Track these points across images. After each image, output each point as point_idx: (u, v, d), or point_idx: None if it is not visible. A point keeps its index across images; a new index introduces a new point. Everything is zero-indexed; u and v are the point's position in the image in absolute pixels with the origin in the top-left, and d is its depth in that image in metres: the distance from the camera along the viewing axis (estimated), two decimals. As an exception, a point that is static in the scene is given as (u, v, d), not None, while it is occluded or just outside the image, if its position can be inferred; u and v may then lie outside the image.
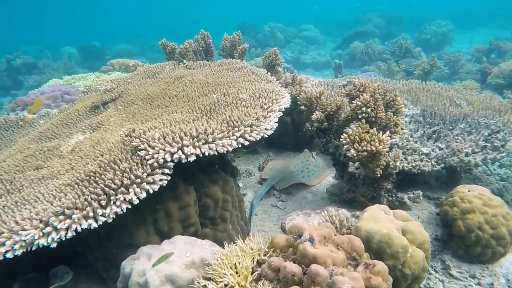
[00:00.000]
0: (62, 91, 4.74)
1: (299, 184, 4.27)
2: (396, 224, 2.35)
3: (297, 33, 19.40)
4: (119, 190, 2.25)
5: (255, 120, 2.77)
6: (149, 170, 2.37)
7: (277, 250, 2.06)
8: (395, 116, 3.05)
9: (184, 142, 2.42)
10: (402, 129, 3.15)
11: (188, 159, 2.42)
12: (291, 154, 5.21)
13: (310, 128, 3.70)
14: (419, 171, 3.38)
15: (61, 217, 2.09)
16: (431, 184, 4.03)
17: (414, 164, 3.36)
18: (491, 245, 2.97)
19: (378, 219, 2.35)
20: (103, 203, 2.20)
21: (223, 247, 2.29)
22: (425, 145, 3.80)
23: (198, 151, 2.43)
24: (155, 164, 2.40)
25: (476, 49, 9.64)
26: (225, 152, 2.53)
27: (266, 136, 2.79)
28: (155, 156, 2.39)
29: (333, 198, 3.73)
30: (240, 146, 2.61)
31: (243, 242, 2.20)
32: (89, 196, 2.22)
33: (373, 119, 3.01)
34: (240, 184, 4.46)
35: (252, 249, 2.10)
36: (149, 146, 2.47)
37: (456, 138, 3.83)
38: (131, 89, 4.26)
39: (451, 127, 4.04)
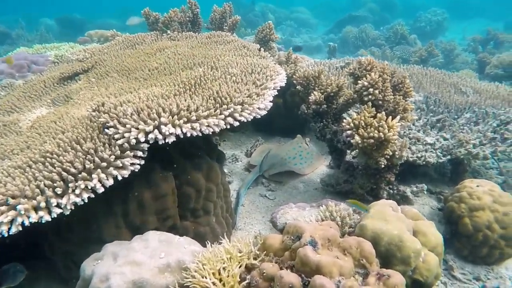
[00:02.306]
0: (29, 60, 4.20)
1: (290, 173, 3.93)
2: (407, 224, 2.03)
3: (288, 14, 18.79)
4: (80, 175, 1.85)
5: (247, 97, 2.38)
6: (118, 152, 1.96)
7: (270, 253, 1.71)
8: (404, 100, 2.71)
9: (162, 119, 2.02)
10: (411, 115, 2.81)
11: (167, 140, 2.02)
12: (282, 140, 4.85)
13: (306, 111, 3.33)
14: (424, 163, 3.08)
15: (3, 207, 1.68)
16: (431, 176, 3.76)
17: (419, 155, 3.05)
18: (500, 246, 2.71)
19: (387, 217, 2.03)
20: (59, 191, 1.79)
21: (205, 243, 1.94)
22: (429, 134, 3.50)
23: (178, 131, 2.03)
24: (126, 145, 1.99)
25: (472, 39, 9.40)
26: (210, 133, 2.14)
27: (259, 116, 2.40)
28: (126, 135, 1.98)
29: (327, 189, 3.41)
30: (228, 127, 2.22)
31: (229, 242, 1.84)
32: (42, 182, 1.80)
33: (380, 102, 2.66)
34: (226, 171, 4.09)
35: (240, 252, 1.74)
36: (120, 123, 2.06)
37: (462, 128, 3.54)
38: (107, 60, 3.78)
39: (456, 116, 3.75)
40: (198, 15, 4.49)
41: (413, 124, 3.63)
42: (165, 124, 2.01)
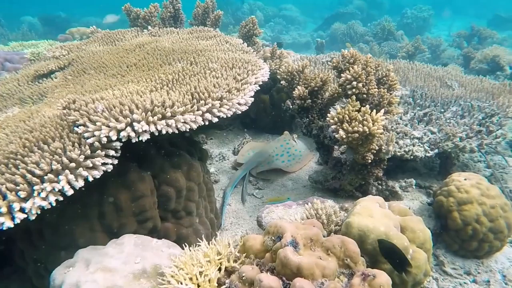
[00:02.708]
0: (3, 58, 4.02)
1: (278, 170, 3.84)
2: (394, 220, 1.95)
3: (277, 12, 18.70)
4: (46, 177, 1.72)
5: (226, 92, 2.28)
6: (88, 151, 1.84)
7: (250, 255, 1.61)
8: (388, 93, 2.64)
9: (135, 116, 1.90)
10: (396, 108, 2.75)
11: (140, 138, 1.91)
12: (269, 137, 4.76)
13: (291, 106, 3.24)
14: (412, 157, 3.02)
15: (-40, 213, 1.55)
16: (420, 171, 3.71)
17: (406, 149, 2.99)
18: (489, 239, 2.66)
19: (373, 213, 1.95)
20: (23, 194, 1.67)
21: (189, 246, 1.83)
22: (416, 128, 3.44)
23: (152, 128, 1.92)
24: (97, 144, 1.87)
25: (457, 34, 9.43)
26: (187, 130, 2.03)
27: (240, 112, 2.31)
28: (96, 133, 1.86)
29: (316, 186, 3.33)
30: (207, 123, 2.12)
31: (213, 243, 1.74)
32: (4, 186, 1.67)
33: (365, 96, 2.59)
34: (213, 169, 3.99)
35: (219, 254, 1.64)
36: (90, 120, 1.94)
37: (449, 121, 3.49)
38: (84, 56, 3.64)
39: (442, 110, 3.70)
40: (179, 10, 4.37)
41: (400, 118, 3.57)
42: (138, 121, 1.90)
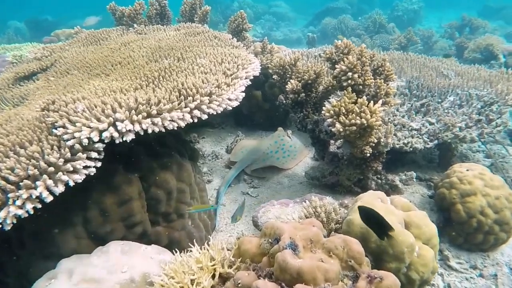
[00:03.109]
0: (-17, 62, 3.85)
1: (273, 167, 3.73)
2: (398, 215, 1.85)
3: (267, 9, 18.53)
4: (22, 183, 1.59)
5: (215, 87, 2.15)
6: (68, 154, 1.71)
7: (246, 259, 1.49)
8: (385, 84, 2.54)
9: (118, 115, 1.77)
10: (394, 99, 2.64)
11: (124, 138, 1.78)
12: (263, 134, 4.64)
13: (285, 101, 3.13)
14: (411, 149, 2.92)
15: None
16: (419, 163, 3.62)
17: (405, 141, 2.89)
18: (494, 231, 2.57)
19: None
20: (-4, 203, 1.54)
21: (182, 250, 1.71)
22: (414, 119, 3.35)
23: (137, 128, 1.79)
24: (77, 146, 1.74)
25: (449, 25, 9.37)
26: (175, 128, 1.91)
27: (230, 108, 2.18)
28: (77, 134, 1.73)
29: (313, 182, 3.22)
30: (196, 120, 2.00)
31: (200, 249, 1.62)
32: (-25, 194, 1.54)
33: (361, 87, 2.48)
34: (205, 169, 3.86)
35: (213, 260, 1.52)
36: (69, 121, 1.80)
37: (447, 111, 3.40)
38: (68, 57, 3.49)
39: (440, 100, 3.61)
40: (166, 7, 4.23)
41: (397, 110, 3.47)
42: (122, 121, 1.77)
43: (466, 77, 3.78)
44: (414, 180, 2.91)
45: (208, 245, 1.61)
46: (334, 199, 2.41)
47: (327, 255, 1.41)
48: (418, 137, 3.05)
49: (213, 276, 1.48)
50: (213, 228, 2.73)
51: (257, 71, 2.69)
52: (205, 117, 2.02)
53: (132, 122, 1.80)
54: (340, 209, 2.05)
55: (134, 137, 1.81)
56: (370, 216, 1.65)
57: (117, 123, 1.75)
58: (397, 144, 2.88)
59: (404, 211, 1.96)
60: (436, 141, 3.02)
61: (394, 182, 2.86)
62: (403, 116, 3.38)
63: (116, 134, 1.74)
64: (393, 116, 3.35)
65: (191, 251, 1.63)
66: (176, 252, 1.67)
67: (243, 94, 2.32)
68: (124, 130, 1.75)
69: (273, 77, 3.17)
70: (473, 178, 2.64)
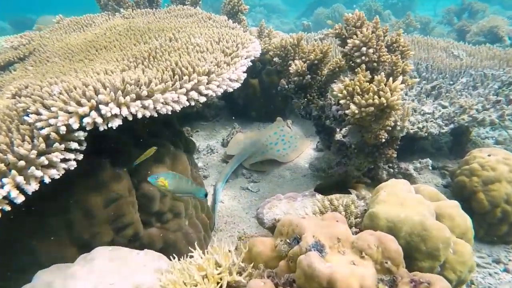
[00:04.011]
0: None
1: (273, 160, 3.47)
2: (428, 206, 1.61)
3: (257, 1, 18.20)
4: (-15, 181, 1.31)
5: (214, 66, 1.88)
6: (43, 145, 1.43)
7: (259, 264, 1.24)
8: (402, 61, 2.29)
9: (101, 97, 1.50)
10: (411, 78, 2.40)
11: (110, 125, 1.51)
12: (261, 125, 4.38)
13: (287, 86, 2.87)
14: (426, 134, 2.69)
15: None
16: (429, 151, 3.40)
17: (420, 126, 2.65)
18: (520, 221, 2.37)
19: (403, 200, 1.60)
20: (-47, 206, 1.26)
21: (179, 254, 1.46)
22: (425, 103, 3.11)
23: (125, 112, 1.52)
24: (53, 135, 1.46)
25: (447, 10, 9.15)
26: (169, 113, 1.64)
27: (231, 90, 1.92)
28: (52, 121, 1.45)
29: (318, 174, 2.97)
30: (192, 103, 1.73)
31: (204, 252, 1.36)
32: None
33: (375, 64, 2.23)
34: (201, 164, 3.59)
35: (218, 266, 1.27)
36: (44, 106, 1.52)
37: (460, 94, 3.17)
38: (48, 44, 3.18)
39: (451, 82, 3.38)
40: (155, -11, 3.92)
41: (406, 94, 3.24)
42: (106, 103, 1.50)
43: (478, 56, 3.56)
44: (430, 168, 2.69)
45: (212, 248, 1.35)
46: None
47: (358, 256, 1.16)
48: (432, 121, 2.82)
49: (220, 287, 1.23)
50: (212, 227, 2.48)
51: (258, 51, 2.43)
52: (203, 99, 1.76)
53: (119, 105, 1.53)
54: (357, 201, 1.80)
55: (122, 124, 1.53)
56: (331, 188, 1.66)
57: (101, 106, 1.48)
58: (411, 129, 2.65)
59: (432, 201, 1.72)
60: (452, 125, 2.80)
61: (408, 171, 2.63)
62: (412, 100, 3.15)
63: (99, 120, 1.47)
64: (402, 100, 3.11)
65: (191, 256, 1.37)
66: (173, 257, 1.41)
67: (245, 75, 2.06)
68: (109, 114, 1.48)
69: (274, 59, 2.91)
70: (496, 163, 2.42)
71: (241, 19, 3.77)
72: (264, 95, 4.19)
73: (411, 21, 7.67)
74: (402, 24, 7.66)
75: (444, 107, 3.02)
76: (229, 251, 1.33)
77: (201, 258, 1.31)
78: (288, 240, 1.22)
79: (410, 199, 1.61)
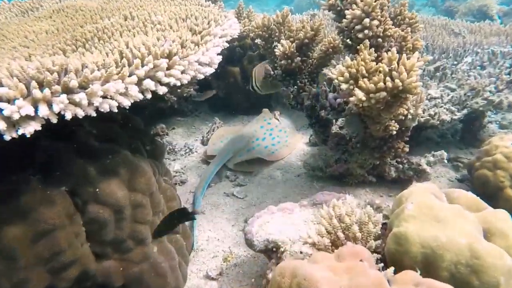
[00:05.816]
0: None
1: (261, 158, 3.03)
2: (473, 221, 1.20)
3: (235, -10, 17.66)
4: None
5: (177, 46, 1.42)
6: None
7: None
8: (411, 36, 1.88)
9: (2, 91, 1.01)
10: (422, 55, 1.99)
11: (20, 132, 1.03)
12: (245, 118, 3.92)
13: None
14: (439, 122, 2.30)
15: None
16: (435, 140, 3.02)
17: (431, 112, 2.26)
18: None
19: (438, 213, 1.19)
20: None
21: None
22: (430, 87, 2.73)
23: (44, 111, 1.04)
24: None
25: (431, -9, 8.90)
26: (115, 110, 1.17)
27: (202, 76, 1.46)
28: None
29: (315, 174, 2.55)
30: (148, 96, 1.26)
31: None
32: None
33: (379, 40, 1.80)
34: (178, 167, 3.12)
35: None
36: None
37: (468, 75, 2.80)
38: (-19, 32, 2.63)
39: (455, 62, 3.01)
40: (114, -33, 3.37)
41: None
42: (10, 100, 1.02)
43: (482, 33, 3.19)
44: (446, 161, 2.30)
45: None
46: (355, 198, 1.74)
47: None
48: (442, 106, 2.43)
49: None
50: (190, 249, 2.02)
51: (236, 30, 1.97)
52: (163, 90, 1.29)
53: (35, 102, 1.05)
54: (375, 215, 1.38)
55: (40, 129, 1.06)
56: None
57: (1, 105, 0.99)
58: (422, 117, 2.25)
59: (472, 210, 1.32)
60: (465, 111, 2.42)
61: (420, 166, 2.24)
62: (416, 84, 2.75)
63: (1, 125, 0.99)
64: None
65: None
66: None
67: (220, 58, 1.60)
68: (16, 117, 1.00)
69: (256, 41, 2.45)
70: (524, 153, 2.06)
71: (216, 1, 3.27)
72: (247, 85, 3.73)
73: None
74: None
75: (452, 90, 2.64)
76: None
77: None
78: (292, 301, 0.78)
79: (447, 212, 1.20)
